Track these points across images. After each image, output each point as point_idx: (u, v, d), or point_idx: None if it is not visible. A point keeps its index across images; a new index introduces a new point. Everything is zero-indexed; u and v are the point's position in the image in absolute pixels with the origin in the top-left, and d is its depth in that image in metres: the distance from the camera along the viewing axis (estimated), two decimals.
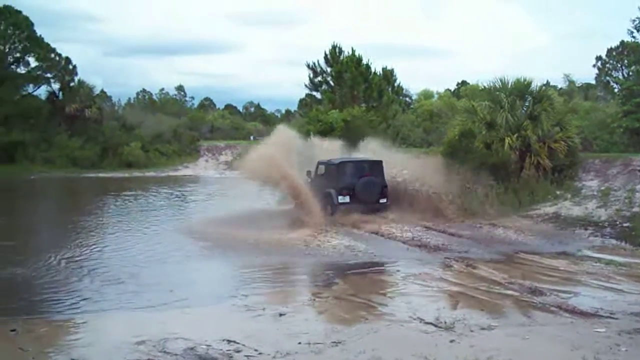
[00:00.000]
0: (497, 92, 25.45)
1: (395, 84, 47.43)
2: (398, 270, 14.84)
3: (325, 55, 43.99)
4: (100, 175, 46.06)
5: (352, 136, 33.01)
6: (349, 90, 40.98)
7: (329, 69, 43.84)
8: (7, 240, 19.21)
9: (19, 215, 26.58)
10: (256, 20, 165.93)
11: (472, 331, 9.83)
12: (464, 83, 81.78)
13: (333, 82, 43.25)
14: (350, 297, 12.27)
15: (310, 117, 37.15)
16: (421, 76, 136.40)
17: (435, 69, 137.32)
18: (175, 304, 11.82)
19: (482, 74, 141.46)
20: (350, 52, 42.77)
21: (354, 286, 13.22)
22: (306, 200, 22.32)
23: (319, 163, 24.55)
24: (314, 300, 12.36)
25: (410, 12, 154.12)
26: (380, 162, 23.91)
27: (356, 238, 18.75)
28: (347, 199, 22.92)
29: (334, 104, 38.90)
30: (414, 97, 73.37)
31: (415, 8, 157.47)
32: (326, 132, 33.46)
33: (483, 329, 9.97)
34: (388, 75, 46.99)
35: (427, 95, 75.16)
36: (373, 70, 42.87)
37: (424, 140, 52.84)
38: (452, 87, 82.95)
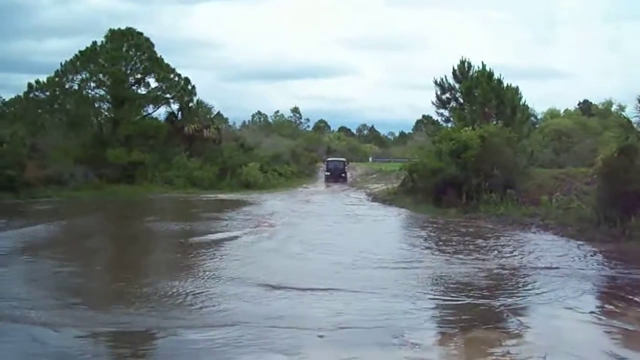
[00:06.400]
0: None
1: (521, 103, 44.48)
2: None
3: (454, 70, 41.85)
4: (220, 196, 44.88)
5: (488, 155, 30.73)
6: (480, 107, 38.52)
7: (457, 85, 41.71)
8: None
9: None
10: (368, 45, 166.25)
11: None
12: (585, 102, 78.08)
13: (462, 98, 41.06)
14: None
15: (442, 135, 34.80)
16: (534, 98, 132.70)
17: (549, 90, 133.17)
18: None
19: (600, 93, 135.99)
20: (481, 67, 40.41)
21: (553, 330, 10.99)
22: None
23: (325, 160, 65.53)
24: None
25: (521, 36, 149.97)
26: (344, 160, 63.41)
27: None
28: (328, 174, 58.32)
29: (464, 122, 36.54)
30: (539, 117, 70.24)
31: (526, 32, 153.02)
32: (460, 151, 31.08)
33: None
34: (513, 94, 44.36)
35: (553, 114, 71.80)
36: (505, 85, 40.21)
37: (553, 161, 49.70)
38: (571, 107, 79.19)
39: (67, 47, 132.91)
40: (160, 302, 12.97)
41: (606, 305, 12.83)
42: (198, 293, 13.68)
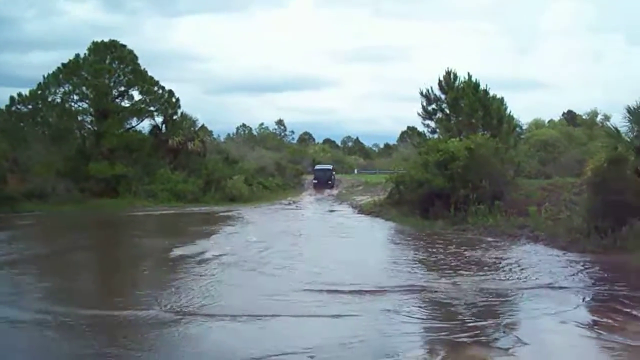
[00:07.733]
0: None
1: (507, 114, 44.19)
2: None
3: (440, 81, 41.51)
4: (204, 209, 44.43)
5: (475, 166, 30.46)
6: (466, 118, 38.24)
7: (443, 96, 41.41)
8: None
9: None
10: (353, 57, 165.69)
11: None
12: (570, 113, 78.35)
13: (448, 109, 40.77)
14: None
15: (429, 146, 34.50)
16: (519, 108, 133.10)
17: (533, 100, 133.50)
18: None
19: (584, 104, 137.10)
20: (466, 78, 40.07)
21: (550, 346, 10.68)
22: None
23: (312, 170, 70.06)
24: None
25: (505, 48, 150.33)
26: (330, 168, 69.71)
27: None
28: (316, 181, 63.60)
29: (451, 133, 36.31)
30: (524, 127, 70.23)
31: (511, 43, 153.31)
32: (447, 162, 30.78)
33: None
34: (499, 105, 44.18)
35: (538, 124, 71.85)
36: (491, 96, 39.87)
37: (539, 172, 49.60)
38: (556, 118, 79.38)
39: (50, 60, 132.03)
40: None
41: (604, 319, 12.48)
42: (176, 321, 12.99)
